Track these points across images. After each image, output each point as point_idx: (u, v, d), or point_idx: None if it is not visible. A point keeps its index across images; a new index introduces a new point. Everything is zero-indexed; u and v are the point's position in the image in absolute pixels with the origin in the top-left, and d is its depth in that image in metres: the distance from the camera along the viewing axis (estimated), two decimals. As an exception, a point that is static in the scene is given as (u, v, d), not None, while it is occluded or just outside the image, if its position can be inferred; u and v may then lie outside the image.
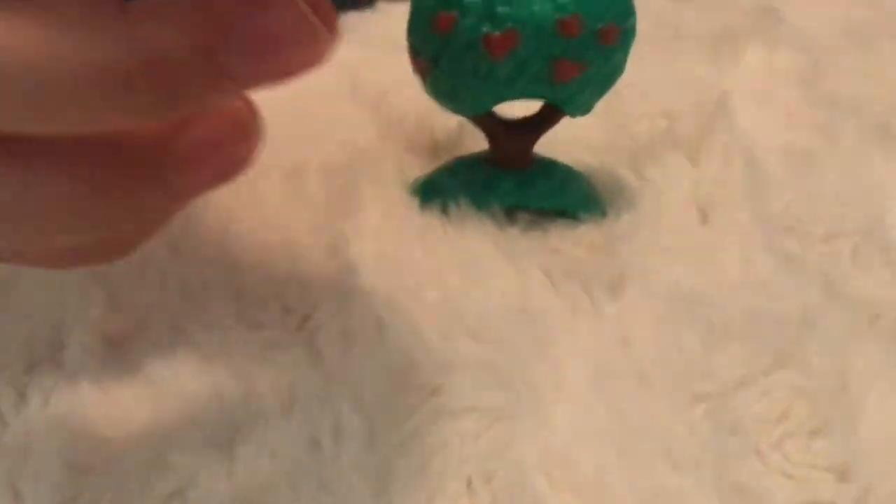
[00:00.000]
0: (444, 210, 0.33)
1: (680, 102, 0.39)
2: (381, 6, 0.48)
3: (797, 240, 0.33)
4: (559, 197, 0.33)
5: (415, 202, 0.34)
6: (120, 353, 0.28)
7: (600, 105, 0.33)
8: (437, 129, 0.37)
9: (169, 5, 0.21)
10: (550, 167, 0.34)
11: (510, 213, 0.33)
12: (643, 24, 0.44)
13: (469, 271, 0.31)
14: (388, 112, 0.38)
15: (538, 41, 0.30)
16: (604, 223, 0.33)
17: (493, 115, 0.32)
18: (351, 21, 0.46)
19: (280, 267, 0.32)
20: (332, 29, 0.22)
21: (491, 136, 0.33)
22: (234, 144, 0.24)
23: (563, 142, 0.36)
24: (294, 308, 0.30)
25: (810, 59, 0.42)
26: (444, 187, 0.33)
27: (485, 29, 0.30)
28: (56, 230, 0.23)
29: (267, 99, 0.38)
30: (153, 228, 0.25)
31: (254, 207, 0.34)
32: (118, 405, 0.27)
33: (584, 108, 0.32)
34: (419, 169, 0.35)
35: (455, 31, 0.30)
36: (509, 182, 0.33)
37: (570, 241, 0.32)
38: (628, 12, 0.31)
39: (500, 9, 0.30)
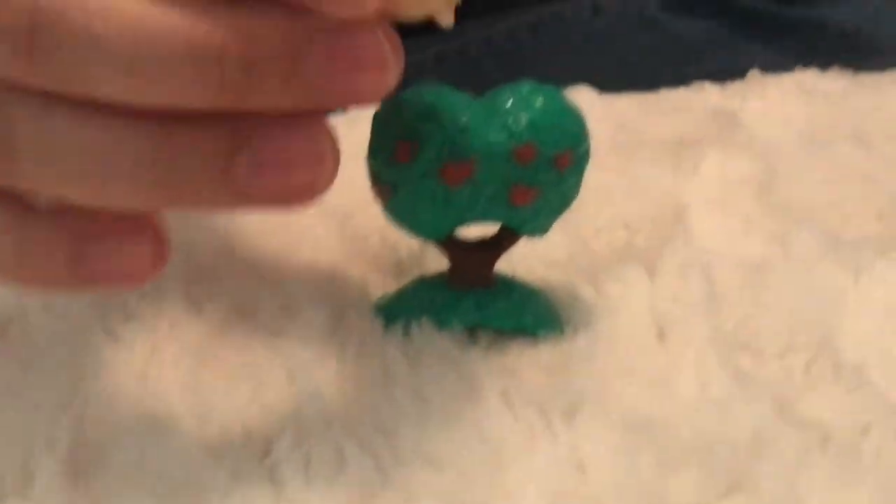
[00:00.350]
0: (406, 332, 0.33)
1: (639, 213, 0.40)
2: (351, 111, 0.49)
3: (751, 356, 0.34)
4: (518, 316, 0.34)
5: (378, 324, 0.34)
6: (85, 486, 0.29)
7: (561, 218, 0.34)
8: (401, 247, 0.38)
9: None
10: (510, 286, 0.34)
11: (472, 333, 0.34)
12: (606, 130, 0.46)
13: (428, 396, 0.32)
14: (354, 230, 0.38)
15: (494, 168, 0.31)
16: (562, 342, 0.34)
17: (452, 238, 0.33)
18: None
19: (242, 392, 0.32)
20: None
21: (451, 258, 0.34)
22: (308, 167, 0.25)
23: (524, 258, 0.37)
24: (256, 435, 0.30)
25: (767, 166, 0.43)
26: (406, 309, 0.34)
27: (444, 159, 0.31)
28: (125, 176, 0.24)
29: (234, 220, 0.39)
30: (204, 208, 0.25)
31: (214, 336, 0.34)
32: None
33: (541, 230, 0.33)
34: (383, 289, 0.36)
35: (415, 160, 0.31)
36: (470, 302, 0.34)
37: (529, 362, 0.33)
38: (582, 138, 0.32)
39: (459, 140, 0.31)
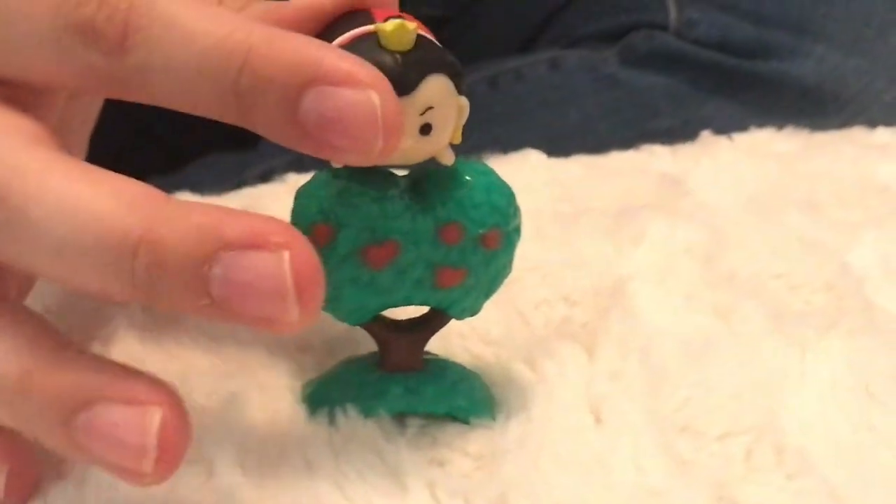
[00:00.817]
0: (332, 420, 0.32)
1: (580, 286, 0.39)
2: (290, 179, 0.48)
3: (691, 440, 0.33)
4: (448, 401, 0.32)
5: (302, 410, 0.33)
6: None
7: (499, 292, 0.32)
8: (331, 325, 0.36)
9: None
10: (441, 370, 0.33)
11: (401, 419, 0.33)
12: (549, 198, 0.45)
13: (351, 490, 0.30)
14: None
15: (419, 250, 0.30)
16: (493, 428, 0.32)
17: (379, 319, 0.32)
18: (256, 196, 0.46)
19: (157, 487, 0.31)
20: None
21: (379, 340, 0.32)
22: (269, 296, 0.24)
23: (459, 334, 0.36)
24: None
25: (713, 235, 0.41)
26: (332, 396, 0.33)
27: (364, 241, 0.30)
28: None
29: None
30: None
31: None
32: None
33: (471, 311, 0.32)
34: (312, 371, 0.34)
35: (333, 243, 0.30)
36: (398, 388, 0.32)
37: (458, 451, 0.32)
38: (511, 215, 0.31)
39: (379, 221, 0.29)
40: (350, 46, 0.28)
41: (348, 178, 0.30)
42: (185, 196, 0.48)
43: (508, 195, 0.31)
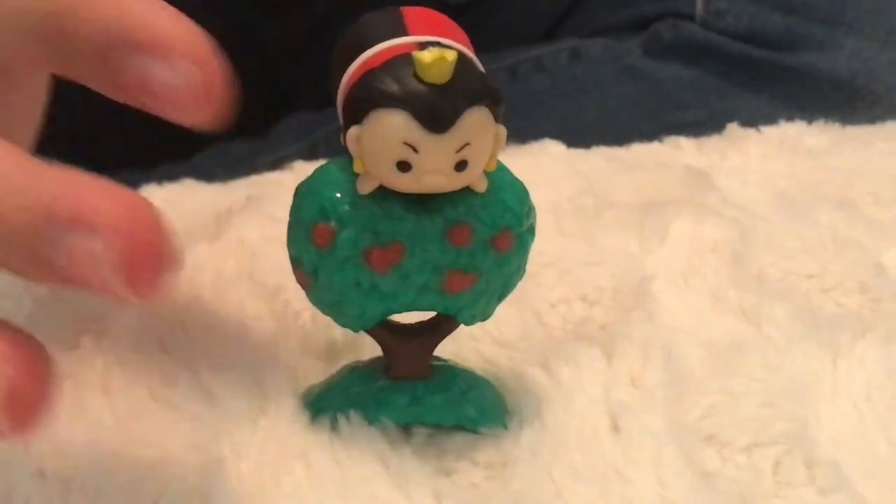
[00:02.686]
0: (335, 426, 0.30)
1: (600, 285, 0.37)
2: (297, 167, 0.46)
3: (716, 451, 0.31)
4: (457, 411, 0.31)
5: (304, 415, 0.31)
6: None
7: (514, 290, 0.31)
8: (334, 327, 0.34)
9: None
10: (449, 377, 0.31)
11: (407, 426, 0.31)
12: (569, 191, 0.43)
13: (354, 500, 0.28)
14: (284, 306, 0.35)
15: (425, 253, 0.28)
16: (505, 437, 0.31)
17: (384, 324, 0.30)
18: (262, 184, 0.45)
19: (147, 490, 0.29)
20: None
21: (384, 346, 0.31)
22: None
23: (471, 336, 0.34)
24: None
25: (741, 232, 0.39)
26: (335, 402, 0.31)
27: (366, 243, 0.28)
28: None
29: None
30: None
31: (128, 420, 0.31)
32: None
33: (481, 317, 0.30)
34: (314, 375, 0.33)
35: (334, 244, 0.28)
36: (403, 397, 0.30)
37: (467, 460, 0.30)
38: (523, 216, 0.29)
39: (382, 221, 0.28)
40: (383, 67, 0.26)
41: (352, 175, 0.28)
42: (192, 185, 0.46)
43: (521, 194, 0.29)
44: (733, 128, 0.49)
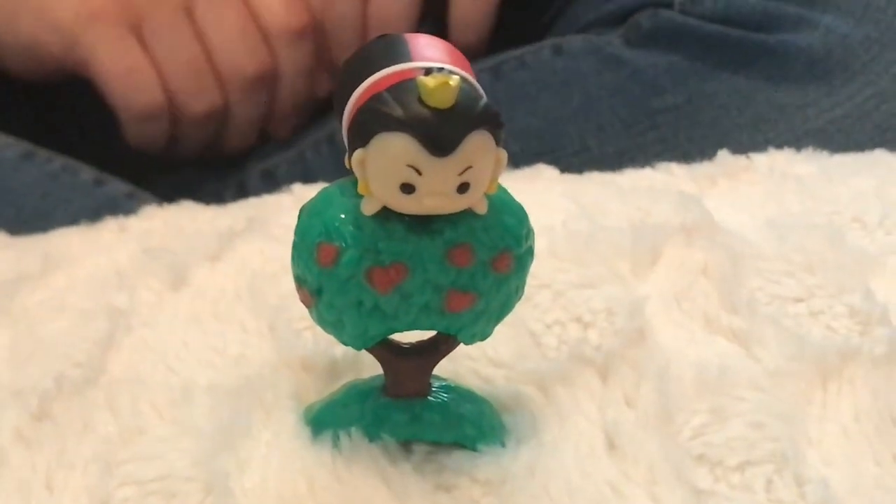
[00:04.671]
0: (336, 443, 0.31)
1: (594, 307, 0.37)
2: (297, 190, 0.47)
3: (709, 469, 0.32)
4: (456, 429, 0.31)
5: (306, 431, 0.32)
6: None
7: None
8: (335, 345, 0.35)
9: None
10: (448, 396, 0.32)
11: (406, 444, 0.32)
12: (563, 215, 0.43)
13: (355, 515, 0.29)
14: (286, 324, 0.36)
15: (426, 273, 0.29)
16: (503, 455, 0.31)
17: (385, 343, 0.31)
18: (260, 208, 0.45)
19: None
20: None
21: (384, 365, 0.31)
22: None
23: (467, 356, 0.35)
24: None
25: (730, 256, 0.40)
26: (336, 419, 0.31)
27: (369, 263, 0.28)
28: None
29: (157, 302, 0.37)
30: None
31: (134, 435, 0.32)
32: None
33: (481, 336, 0.31)
34: (316, 392, 0.33)
35: (337, 264, 0.28)
36: (403, 415, 0.31)
37: (466, 478, 0.31)
38: (523, 238, 0.30)
39: (385, 242, 0.28)
40: (388, 91, 0.27)
41: (355, 197, 0.29)
42: (191, 206, 0.47)
43: (521, 216, 0.30)
44: (723, 154, 0.49)
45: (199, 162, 0.63)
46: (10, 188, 0.55)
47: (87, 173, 0.56)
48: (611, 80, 0.59)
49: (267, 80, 0.60)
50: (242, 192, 0.56)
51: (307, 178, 0.50)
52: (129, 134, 0.59)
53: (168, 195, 0.51)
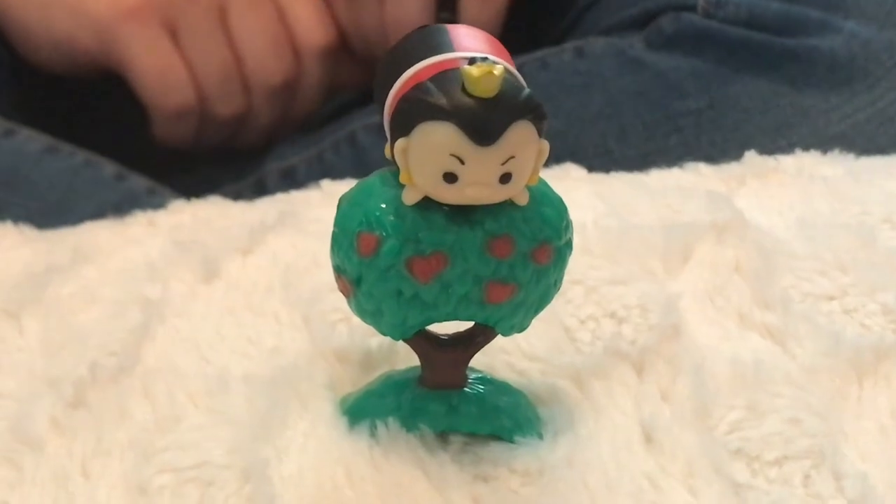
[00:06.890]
0: (373, 432, 0.31)
1: (627, 303, 0.37)
2: (325, 186, 0.47)
3: (746, 464, 0.32)
4: (492, 420, 0.31)
5: (342, 421, 0.32)
6: None
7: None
8: (370, 337, 0.35)
9: None
10: (485, 386, 0.32)
11: (443, 435, 0.32)
12: (593, 212, 0.43)
13: (395, 501, 0.29)
14: (320, 316, 0.36)
15: (466, 263, 0.29)
16: (540, 447, 0.31)
17: (422, 334, 0.31)
18: (289, 203, 0.45)
19: (191, 493, 0.30)
20: None
21: (421, 356, 0.31)
22: None
23: (502, 349, 0.35)
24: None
25: (762, 254, 0.40)
26: (373, 409, 0.31)
27: (409, 252, 0.28)
28: None
29: (190, 294, 0.37)
30: None
31: (170, 423, 0.32)
32: None
33: (519, 328, 0.31)
34: (350, 383, 0.33)
35: (378, 253, 0.28)
36: (440, 406, 0.31)
37: (504, 468, 0.31)
38: (563, 230, 0.30)
39: (426, 232, 0.28)
40: (432, 81, 0.27)
41: (395, 187, 0.29)
42: (219, 201, 0.47)
43: (561, 209, 0.30)
44: (750, 155, 0.49)
45: (216, 161, 0.63)
46: (34, 181, 0.55)
47: (108, 168, 0.56)
48: (633, 82, 0.59)
49: (289, 90, 0.60)
50: (261, 192, 0.56)
51: (327, 179, 0.50)
52: (159, 131, 0.59)
53: (185, 193, 0.51)
